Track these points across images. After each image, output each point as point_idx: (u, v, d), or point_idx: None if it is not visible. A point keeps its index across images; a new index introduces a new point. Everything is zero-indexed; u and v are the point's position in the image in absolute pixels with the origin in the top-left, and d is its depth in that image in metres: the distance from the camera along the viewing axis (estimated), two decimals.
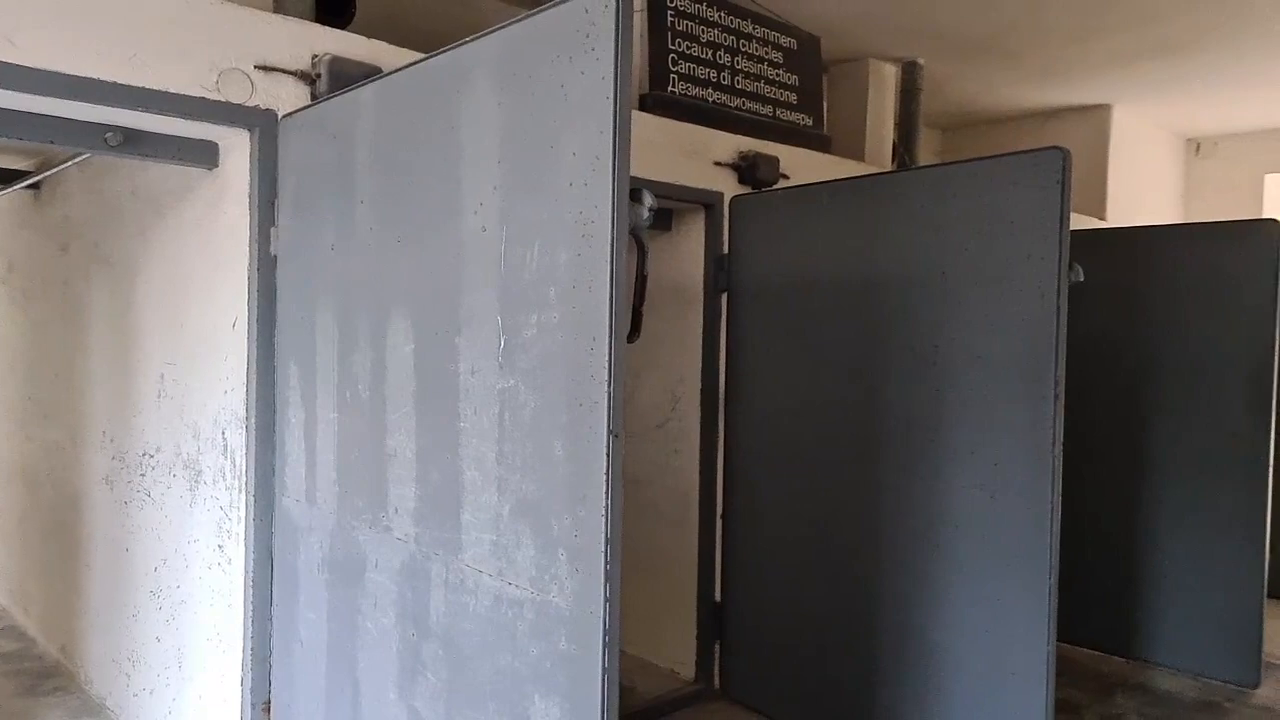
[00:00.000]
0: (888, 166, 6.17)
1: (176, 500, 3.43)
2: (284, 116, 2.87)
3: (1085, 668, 4.83)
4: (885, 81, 6.28)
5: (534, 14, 1.88)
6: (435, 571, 2.20)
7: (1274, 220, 4.53)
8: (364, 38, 3.12)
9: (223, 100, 2.81)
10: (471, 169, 2.08)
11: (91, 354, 4.19)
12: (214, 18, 2.80)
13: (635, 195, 1.75)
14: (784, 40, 4.88)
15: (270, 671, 2.97)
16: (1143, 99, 7.37)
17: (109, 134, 2.84)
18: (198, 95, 2.77)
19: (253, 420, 2.95)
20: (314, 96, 2.96)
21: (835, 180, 3.78)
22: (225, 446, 3.10)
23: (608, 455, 1.73)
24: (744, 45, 4.65)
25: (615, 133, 1.71)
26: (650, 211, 1.77)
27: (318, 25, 3.08)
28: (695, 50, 4.43)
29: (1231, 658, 4.61)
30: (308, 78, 2.96)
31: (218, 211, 3.12)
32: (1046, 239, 3.08)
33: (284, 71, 2.92)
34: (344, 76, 2.94)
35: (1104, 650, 5.00)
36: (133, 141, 2.90)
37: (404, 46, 3.18)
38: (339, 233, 2.58)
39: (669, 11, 4.23)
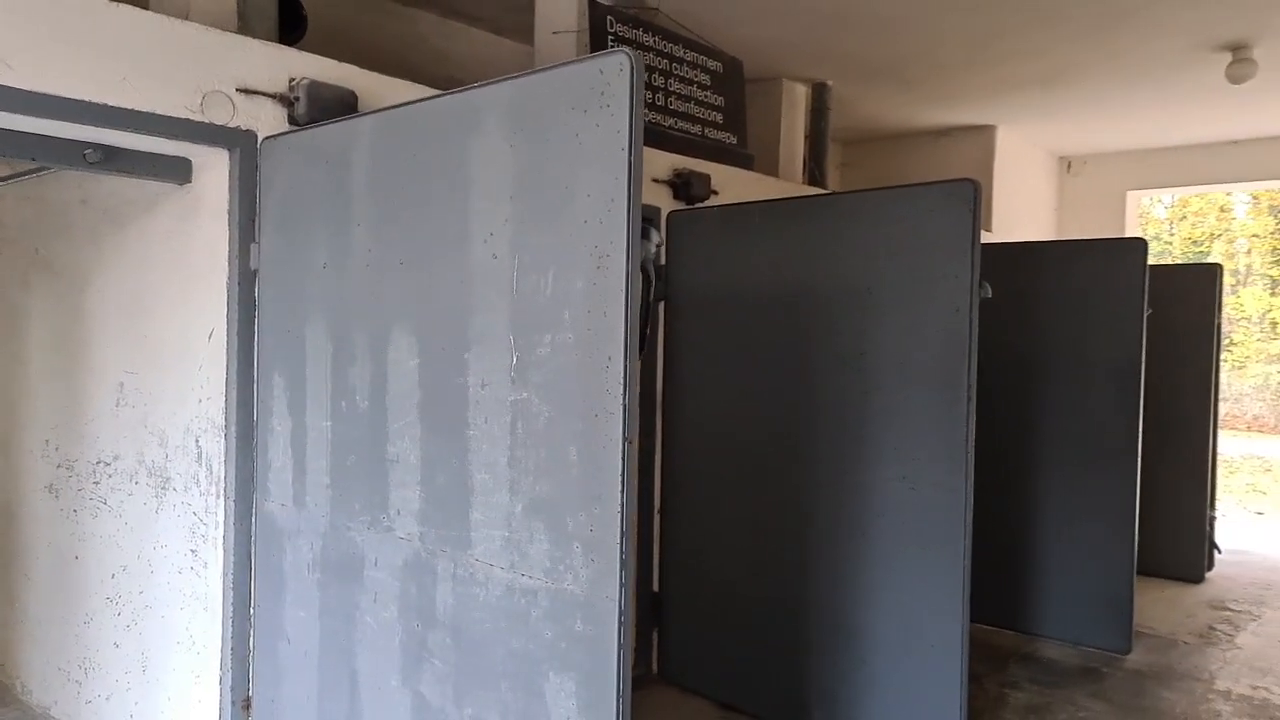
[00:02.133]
0: (799, 180, 6.58)
1: (139, 507, 3.48)
2: (268, 138, 3.00)
3: (980, 641, 5.31)
4: (797, 101, 6.70)
5: (549, 69, 2.11)
6: (442, 567, 2.40)
7: (1141, 239, 5.13)
8: (335, 61, 3.26)
9: (206, 121, 2.92)
10: (481, 202, 2.29)
11: (28, 362, 4.15)
12: (198, 42, 2.91)
13: (645, 232, 2.00)
14: (711, 63, 5.20)
15: (250, 670, 3.09)
16: (1023, 121, 8.05)
17: (89, 151, 2.91)
18: (183, 116, 2.87)
19: (232, 429, 3.06)
20: (292, 118, 3.09)
21: (768, 200, 4.10)
22: (200, 454, 3.20)
23: (623, 459, 1.98)
24: (675, 68, 4.94)
25: (630, 179, 1.95)
26: (657, 246, 2.02)
27: (292, 49, 3.20)
28: None
29: (1106, 628, 5.19)
30: (286, 100, 3.09)
31: (191, 226, 3.21)
32: (960, 259, 3.47)
33: (264, 94, 3.05)
34: (321, 100, 3.09)
35: (996, 625, 5.51)
36: (111, 158, 2.98)
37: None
38: (332, 252, 2.74)
39: (609, 36, 4.49)
